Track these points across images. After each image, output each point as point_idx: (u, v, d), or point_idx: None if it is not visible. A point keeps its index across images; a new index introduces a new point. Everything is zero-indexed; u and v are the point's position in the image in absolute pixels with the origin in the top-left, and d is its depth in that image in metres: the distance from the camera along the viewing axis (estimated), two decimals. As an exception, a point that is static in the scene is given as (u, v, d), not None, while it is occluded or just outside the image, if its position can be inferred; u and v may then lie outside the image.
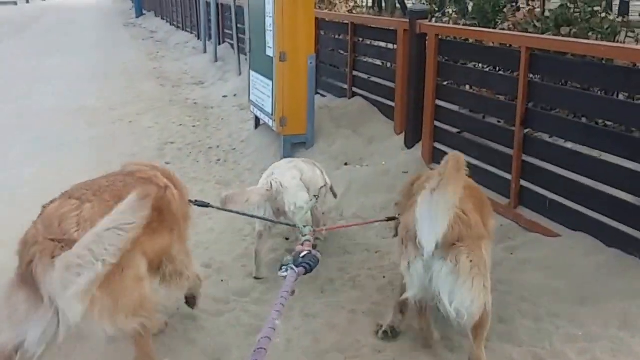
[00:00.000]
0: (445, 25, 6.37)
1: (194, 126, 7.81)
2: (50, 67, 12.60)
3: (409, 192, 3.18)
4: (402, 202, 3.36)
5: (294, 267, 2.38)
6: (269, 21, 6.01)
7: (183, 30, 17.52)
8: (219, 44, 12.38)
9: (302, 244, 2.80)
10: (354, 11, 9.16)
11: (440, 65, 5.16)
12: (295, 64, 5.87)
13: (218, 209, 3.45)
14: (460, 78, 5.37)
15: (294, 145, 6.06)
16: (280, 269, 2.40)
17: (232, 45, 11.31)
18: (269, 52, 6.07)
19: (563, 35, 4.69)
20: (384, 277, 3.81)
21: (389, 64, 6.61)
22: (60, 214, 2.32)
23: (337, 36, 7.66)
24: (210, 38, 12.75)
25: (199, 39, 14.37)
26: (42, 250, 2.20)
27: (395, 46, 6.00)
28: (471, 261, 2.51)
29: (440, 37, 5.13)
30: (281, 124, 5.99)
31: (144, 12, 26.05)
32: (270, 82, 6.13)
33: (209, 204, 3.30)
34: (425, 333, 3.02)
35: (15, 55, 14.45)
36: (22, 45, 16.75)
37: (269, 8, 5.94)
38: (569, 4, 4.80)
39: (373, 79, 6.72)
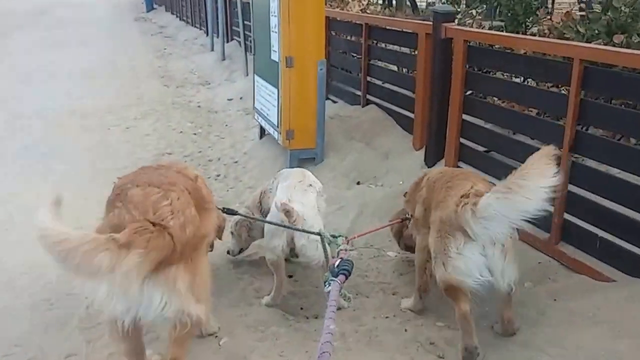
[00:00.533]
0: (477, 30, 5.64)
1: (195, 134, 7.25)
2: (53, 64, 12.03)
3: (417, 188, 3.35)
4: (411, 196, 3.46)
5: (334, 278, 2.48)
6: (274, 21, 5.36)
7: (192, 25, 17.02)
8: (227, 42, 11.83)
9: (337, 254, 2.87)
10: (367, 10, 8.48)
11: (469, 75, 4.53)
12: (304, 71, 5.23)
13: (245, 217, 3.68)
14: (494, 90, 4.68)
15: (302, 160, 5.44)
16: (324, 285, 2.50)
17: (240, 43, 10.75)
18: (274, 57, 5.44)
19: (615, 44, 3.98)
20: (405, 330, 3.23)
21: (405, 70, 5.98)
22: (152, 201, 2.34)
23: (349, 37, 7.03)
24: (218, 35, 12.18)
25: (207, 35, 13.81)
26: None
27: (415, 51, 5.38)
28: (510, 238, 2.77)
29: (469, 43, 4.49)
30: (287, 138, 5.37)
31: (155, 6, 25.65)
32: (275, 90, 5.51)
33: (237, 211, 3.47)
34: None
35: (17, 51, 13.96)
36: (27, 39, 16.24)
37: (274, 6, 5.29)
38: (623, 8, 4.05)
39: (390, 86, 6.10)
